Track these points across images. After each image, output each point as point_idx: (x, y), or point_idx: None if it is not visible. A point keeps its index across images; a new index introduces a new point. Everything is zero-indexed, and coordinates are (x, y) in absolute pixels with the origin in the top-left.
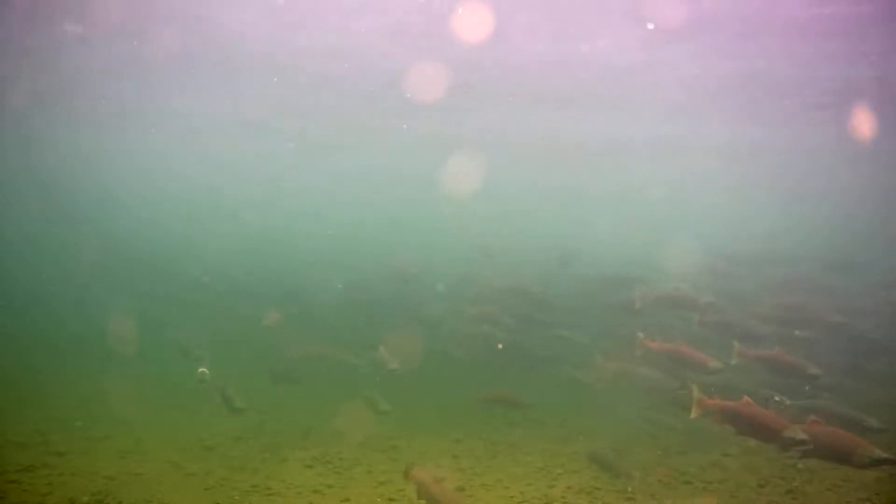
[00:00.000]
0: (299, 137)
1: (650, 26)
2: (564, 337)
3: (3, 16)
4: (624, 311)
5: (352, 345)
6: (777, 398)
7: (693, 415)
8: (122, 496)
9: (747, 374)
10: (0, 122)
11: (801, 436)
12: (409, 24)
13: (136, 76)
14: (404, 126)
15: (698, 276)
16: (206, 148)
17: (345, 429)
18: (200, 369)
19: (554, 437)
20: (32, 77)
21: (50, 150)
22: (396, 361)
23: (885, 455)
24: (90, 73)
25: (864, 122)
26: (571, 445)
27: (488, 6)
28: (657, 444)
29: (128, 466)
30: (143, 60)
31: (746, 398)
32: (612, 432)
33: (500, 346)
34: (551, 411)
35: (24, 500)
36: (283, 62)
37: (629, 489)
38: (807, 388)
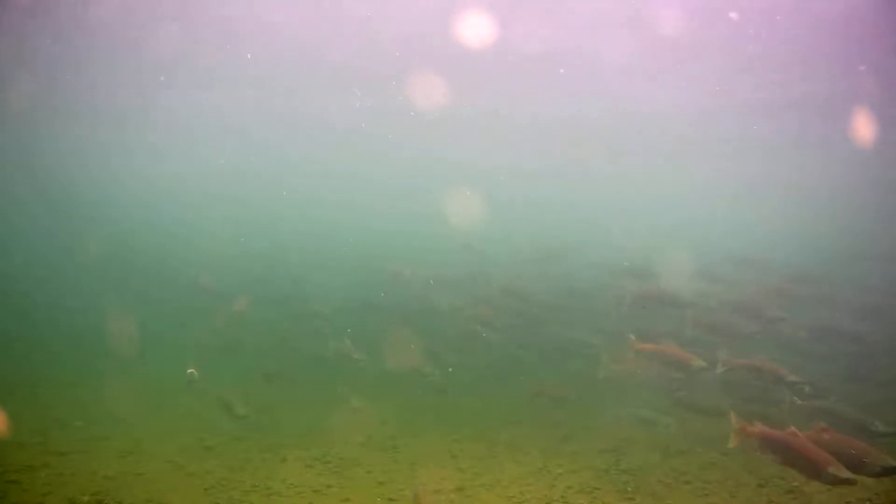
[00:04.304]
0: (296, 139)
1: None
2: (561, 336)
3: (3, 15)
4: (617, 310)
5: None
6: (789, 397)
7: (732, 444)
8: (122, 496)
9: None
10: None
11: (846, 474)
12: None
13: (134, 75)
14: (389, 135)
15: (693, 276)
16: (205, 148)
17: (343, 428)
18: (189, 370)
19: (554, 437)
20: (31, 75)
21: (48, 151)
22: (361, 352)
23: (894, 463)
24: (89, 71)
25: (867, 121)
26: (571, 445)
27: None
28: (657, 443)
29: (128, 466)
30: (142, 58)
31: (792, 427)
32: (613, 431)
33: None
34: (550, 411)
35: (24, 500)
36: (283, 61)
37: (629, 489)
38: (806, 389)
